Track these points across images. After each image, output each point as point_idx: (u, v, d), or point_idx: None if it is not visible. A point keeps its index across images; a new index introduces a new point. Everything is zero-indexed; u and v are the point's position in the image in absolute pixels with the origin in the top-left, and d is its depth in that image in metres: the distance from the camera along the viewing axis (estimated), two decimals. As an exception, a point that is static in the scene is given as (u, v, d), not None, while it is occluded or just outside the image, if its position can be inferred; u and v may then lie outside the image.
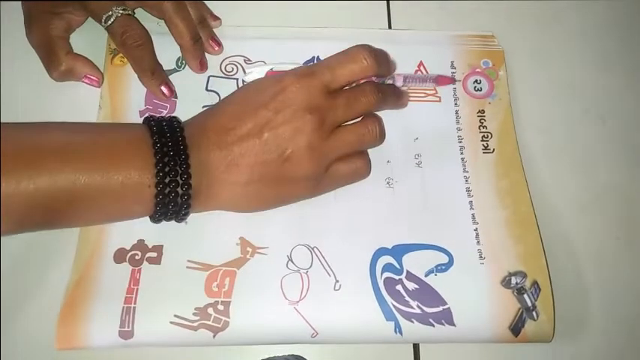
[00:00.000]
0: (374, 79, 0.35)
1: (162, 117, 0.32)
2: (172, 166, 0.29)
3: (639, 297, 0.36)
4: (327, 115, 0.32)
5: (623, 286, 0.36)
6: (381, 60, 0.34)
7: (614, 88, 0.42)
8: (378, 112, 0.36)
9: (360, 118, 0.34)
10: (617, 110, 0.42)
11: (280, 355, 0.32)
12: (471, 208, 0.36)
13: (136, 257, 0.33)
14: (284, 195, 0.33)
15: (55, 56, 0.37)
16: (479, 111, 0.39)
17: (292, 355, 0.32)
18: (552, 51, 0.43)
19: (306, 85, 0.31)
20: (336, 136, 0.33)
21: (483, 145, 0.38)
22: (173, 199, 0.30)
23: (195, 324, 0.32)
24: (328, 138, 0.32)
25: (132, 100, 0.38)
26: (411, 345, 0.34)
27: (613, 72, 0.43)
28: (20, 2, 0.37)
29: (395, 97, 0.37)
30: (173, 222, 0.33)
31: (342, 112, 0.33)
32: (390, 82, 0.37)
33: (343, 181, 0.35)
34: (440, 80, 0.39)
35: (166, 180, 0.29)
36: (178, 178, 0.30)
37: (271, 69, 0.37)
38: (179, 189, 0.30)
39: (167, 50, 0.38)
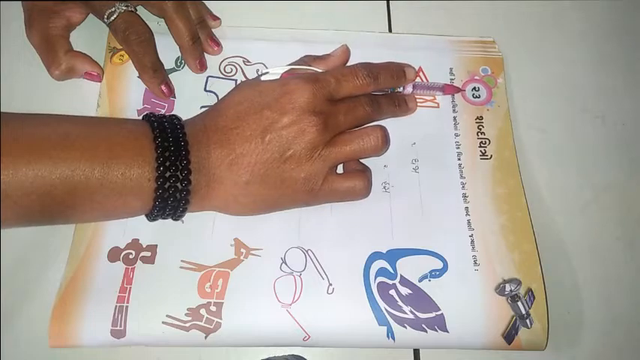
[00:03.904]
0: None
1: (162, 114, 0.32)
2: (173, 161, 0.29)
3: (638, 299, 0.36)
4: (329, 120, 0.32)
5: (622, 288, 0.36)
6: (384, 77, 0.35)
7: (614, 88, 0.42)
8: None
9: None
10: (616, 110, 0.42)
11: (280, 355, 0.32)
12: (467, 214, 0.36)
13: (130, 256, 0.33)
14: (281, 198, 0.33)
15: (55, 55, 0.37)
16: (477, 117, 0.39)
17: (292, 355, 0.32)
18: (552, 50, 0.43)
19: (311, 90, 0.32)
20: (337, 140, 0.33)
21: (481, 151, 0.38)
22: (172, 194, 0.30)
23: (187, 324, 0.32)
24: (330, 142, 0.32)
25: (130, 99, 0.38)
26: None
27: (612, 72, 0.43)
28: (20, 2, 0.37)
29: (393, 106, 0.37)
30: (167, 221, 0.33)
31: (344, 119, 0.33)
32: (400, 89, 0.38)
33: (340, 196, 0.34)
34: (447, 89, 0.39)
35: (167, 174, 0.29)
36: (179, 174, 0.30)
37: (288, 70, 0.36)
38: (179, 184, 0.30)
39: (166, 50, 0.38)
